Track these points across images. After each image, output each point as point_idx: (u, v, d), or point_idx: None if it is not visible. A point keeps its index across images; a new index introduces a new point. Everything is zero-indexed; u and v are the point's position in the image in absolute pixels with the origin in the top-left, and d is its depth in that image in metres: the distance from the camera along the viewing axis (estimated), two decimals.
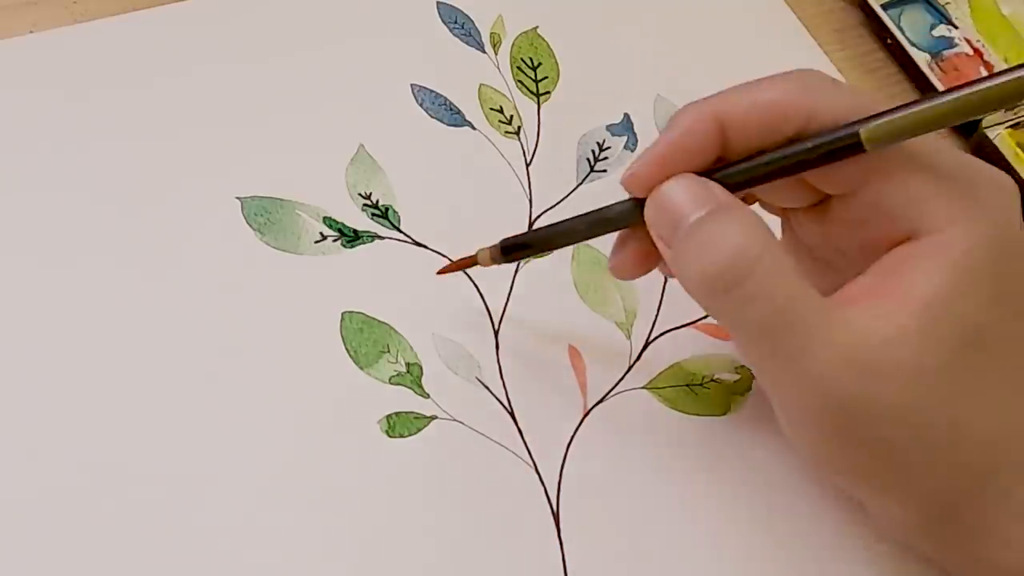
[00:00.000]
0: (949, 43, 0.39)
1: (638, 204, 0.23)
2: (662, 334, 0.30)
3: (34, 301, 0.27)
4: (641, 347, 0.29)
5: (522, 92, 0.35)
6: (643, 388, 0.28)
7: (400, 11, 0.36)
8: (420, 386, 0.27)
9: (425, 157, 0.32)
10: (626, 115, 0.35)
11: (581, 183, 0.33)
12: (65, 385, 0.25)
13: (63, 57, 0.32)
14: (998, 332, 0.21)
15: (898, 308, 0.20)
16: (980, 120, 0.36)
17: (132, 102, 0.31)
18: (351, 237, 0.30)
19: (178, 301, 0.27)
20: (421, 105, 0.33)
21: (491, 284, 0.30)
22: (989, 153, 0.36)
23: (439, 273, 0.28)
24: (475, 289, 0.29)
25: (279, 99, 0.32)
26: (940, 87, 0.38)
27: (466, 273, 0.29)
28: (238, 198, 0.30)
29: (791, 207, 0.24)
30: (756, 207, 0.25)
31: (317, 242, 0.29)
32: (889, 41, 0.39)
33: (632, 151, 0.34)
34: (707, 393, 0.29)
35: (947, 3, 0.40)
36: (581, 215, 0.24)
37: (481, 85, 0.34)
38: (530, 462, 0.26)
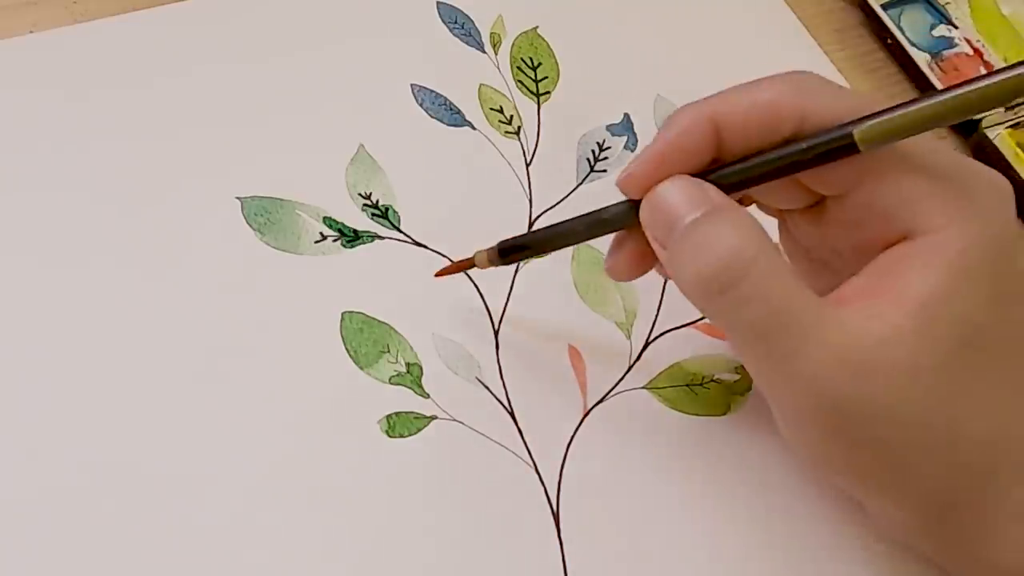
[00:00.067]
0: (949, 43, 0.39)
1: (634, 206, 0.23)
2: (662, 334, 0.30)
3: (34, 301, 0.27)
4: (641, 347, 0.29)
5: (522, 92, 0.35)
6: (643, 388, 0.28)
7: (400, 11, 0.36)
8: (420, 386, 0.27)
9: (425, 157, 0.32)
10: (626, 115, 0.35)
11: (581, 183, 0.33)
12: (65, 385, 0.26)
13: (63, 57, 0.32)
14: (994, 332, 0.21)
15: (893, 308, 0.20)
16: (980, 120, 0.36)
17: (132, 102, 0.31)
18: (351, 237, 0.30)
19: (178, 301, 0.27)
20: (421, 105, 0.33)
21: (491, 284, 0.30)
22: (989, 153, 0.36)
23: (437, 275, 0.28)
24: (475, 289, 0.29)
25: (279, 99, 0.32)
26: (940, 87, 0.38)
27: (466, 273, 0.29)
28: (238, 198, 0.30)
29: (787, 208, 0.24)
30: (753, 208, 0.25)
31: (317, 242, 0.29)
32: (889, 41, 0.39)
33: (632, 151, 0.34)
34: (707, 393, 0.29)
35: (947, 3, 0.40)
36: (578, 216, 0.24)
37: (481, 85, 0.34)
38: (530, 462, 0.27)
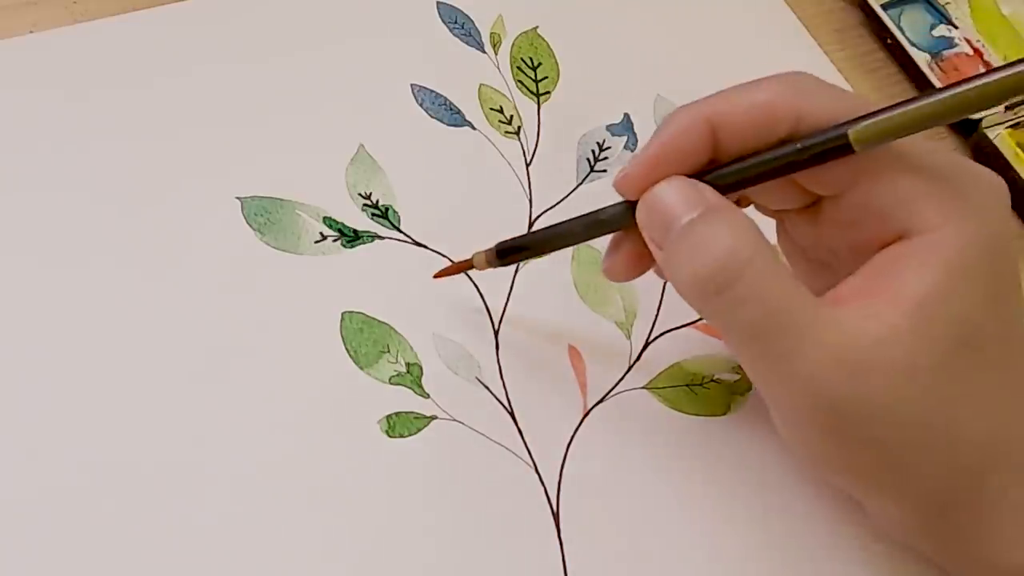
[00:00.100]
0: (949, 43, 0.39)
1: (630, 207, 0.23)
2: (662, 334, 0.30)
3: (34, 301, 0.27)
4: (641, 347, 0.29)
5: (522, 92, 0.35)
6: (643, 388, 0.28)
7: (400, 11, 0.36)
8: (420, 386, 0.27)
9: (425, 157, 0.32)
10: (626, 115, 0.35)
11: (581, 183, 0.33)
12: (65, 385, 0.26)
13: (63, 57, 0.32)
14: (991, 331, 0.21)
15: (890, 308, 0.20)
16: (980, 120, 0.36)
17: (132, 102, 0.31)
18: (351, 237, 0.30)
19: (178, 301, 0.27)
20: (421, 105, 0.33)
21: (491, 284, 0.30)
22: (989, 153, 0.36)
23: (436, 277, 0.28)
24: (475, 289, 0.29)
25: (279, 99, 0.32)
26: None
27: (466, 273, 0.29)
28: (238, 198, 0.30)
29: (785, 209, 0.24)
30: (751, 209, 0.25)
31: (317, 242, 0.29)
32: (889, 41, 0.39)
33: (632, 151, 0.34)
34: (707, 393, 0.29)
35: (947, 3, 0.40)
36: (575, 218, 0.24)
37: (481, 85, 0.34)
38: (530, 462, 0.27)
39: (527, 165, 0.33)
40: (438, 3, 0.36)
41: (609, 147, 0.34)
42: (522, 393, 0.28)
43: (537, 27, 0.36)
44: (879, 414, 0.20)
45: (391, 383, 0.27)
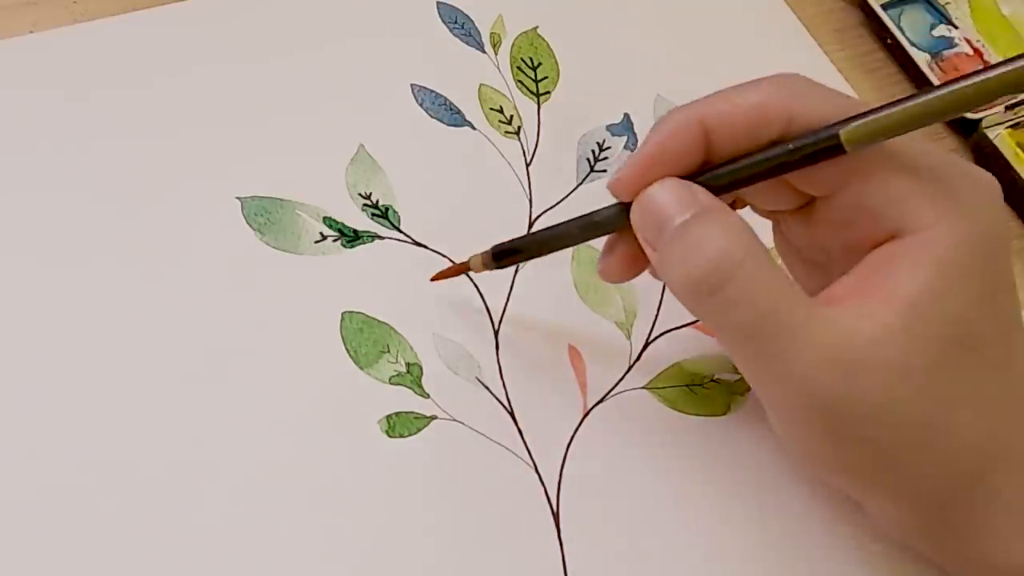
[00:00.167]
0: (949, 43, 0.39)
1: (625, 208, 0.23)
2: (662, 334, 0.30)
3: (34, 301, 0.27)
4: (641, 347, 0.29)
5: (522, 92, 0.35)
6: (643, 388, 0.29)
7: (400, 11, 0.36)
8: (420, 386, 0.27)
9: (425, 157, 0.32)
10: (626, 115, 0.35)
11: (581, 183, 0.33)
12: (65, 385, 0.26)
13: (63, 57, 0.32)
14: (984, 330, 0.21)
15: (883, 307, 0.20)
16: (980, 120, 0.36)
17: (132, 102, 0.31)
18: (351, 237, 0.30)
19: (178, 301, 0.27)
20: (421, 105, 0.33)
21: (491, 284, 0.30)
22: (989, 153, 0.36)
23: (433, 279, 0.28)
24: (475, 289, 0.29)
25: (279, 99, 0.32)
26: None
27: (466, 273, 0.29)
28: (238, 198, 0.30)
29: (779, 209, 0.24)
30: (747, 211, 0.25)
31: (317, 242, 0.29)
32: (889, 41, 0.39)
33: (632, 151, 0.34)
34: (707, 393, 0.29)
35: (947, 3, 0.40)
36: (571, 219, 0.25)
37: (481, 85, 0.34)
38: (530, 462, 0.27)
39: (527, 165, 0.33)
40: (438, 3, 0.36)
41: (609, 147, 0.34)
42: (522, 393, 0.28)
43: (537, 27, 0.36)
44: (873, 414, 0.20)
45: (391, 383, 0.27)
